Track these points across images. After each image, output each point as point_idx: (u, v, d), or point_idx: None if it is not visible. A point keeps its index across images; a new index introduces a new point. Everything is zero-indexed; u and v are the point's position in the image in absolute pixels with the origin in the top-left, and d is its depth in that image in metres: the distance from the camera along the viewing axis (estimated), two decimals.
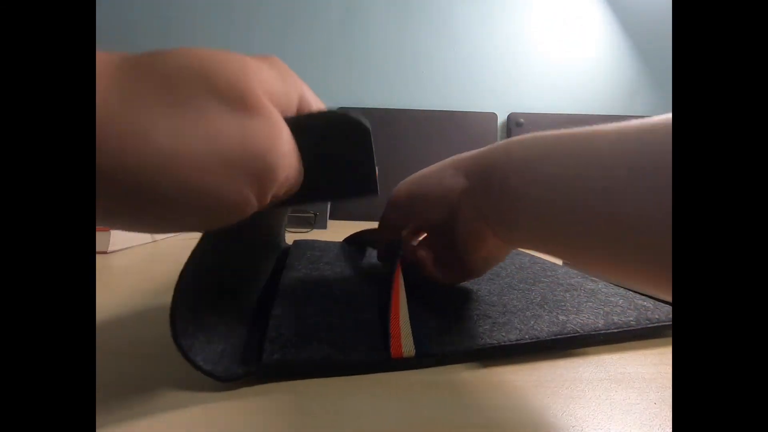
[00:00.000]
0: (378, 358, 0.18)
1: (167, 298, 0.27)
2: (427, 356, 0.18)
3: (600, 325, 0.21)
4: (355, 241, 0.42)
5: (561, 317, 0.22)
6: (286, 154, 0.12)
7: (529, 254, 0.40)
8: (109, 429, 0.14)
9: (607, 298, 0.25)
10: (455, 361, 0.19)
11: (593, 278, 0.30)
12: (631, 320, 0.22)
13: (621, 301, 0.25)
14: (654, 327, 0.22)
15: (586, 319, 0.22)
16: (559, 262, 0.39)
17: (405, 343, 0.18)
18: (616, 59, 0.87)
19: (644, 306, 0.24)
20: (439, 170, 0.24)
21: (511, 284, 0.29)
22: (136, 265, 0.38)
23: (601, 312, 0.23)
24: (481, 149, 0.22)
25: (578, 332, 0.20)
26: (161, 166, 0.10)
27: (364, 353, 0.18)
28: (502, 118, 0.86)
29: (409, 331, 0.19)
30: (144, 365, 0.18)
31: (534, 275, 0.31)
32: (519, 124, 0.83)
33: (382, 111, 0.85)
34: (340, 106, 0.87)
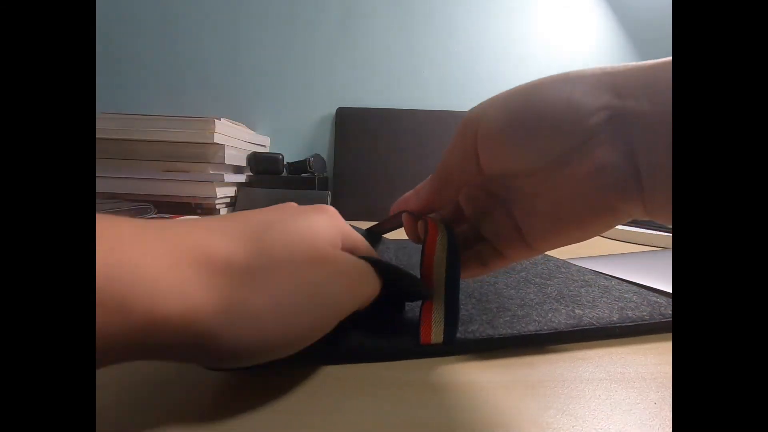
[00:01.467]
0: (406, 345, 0.19)
1: None
2: (454, 343, 0.19)
3: (615, 318, 0.22)
4: (379, 231, 0.41)
5: (577, 311, 0.23)
6: (360, 281, 0.16)
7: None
8: (110, 429, 0.14)
9: (621, 294, 0.26)
10: (479, 350, 0.20)
11: (606, 276, 0.31)
12: (645, 315, 0.22)
13: (635, 297, 0.25)
14: (668, 322, 0.22)
15: (602, 313, 0.22)
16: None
17: (435, 330, 0.19)
18: (616, 59, 0.87)
19: (657, 302, 0.24)
20: (561, 81, 0.15)
21: (528, 278, 0.29)
22: None
23: (616, 307, 0.23)
24: (647, 63, 0.13)
25: (594, 325, 0.21)
26: (284, 311, 0.13)
27: (393, 340, 0.19)
28: None
29: (442, 317, 0.19)
30: (144, 365, 0.18)
31: (549, 271, 0.31)
32: None
33: (382, 111, 0.85)
34: (341, 105, 0.87)
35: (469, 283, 0.27)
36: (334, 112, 0.88)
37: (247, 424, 0.14)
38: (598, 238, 0.64)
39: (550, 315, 0.22)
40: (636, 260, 0.37)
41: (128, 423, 0.14)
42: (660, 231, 0.57)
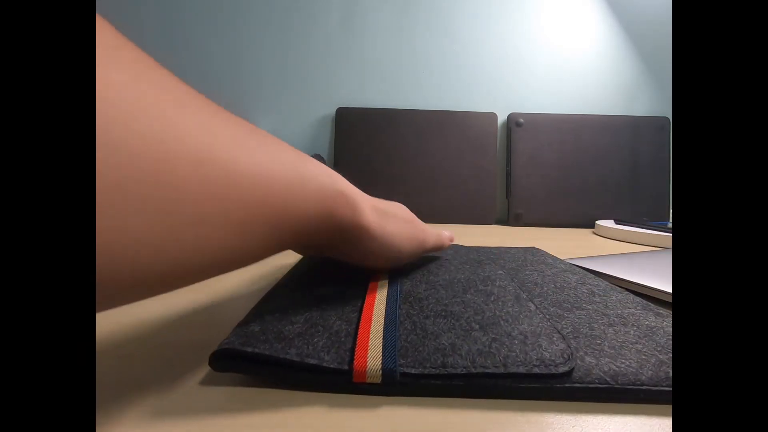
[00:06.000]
0: (333, 378, 0.16)
1: (166, 298, 0.27)
2: (397, 383, 0.16)
3: (644, 378, 0.16)
4: None
5: (588, 359, 0.17)
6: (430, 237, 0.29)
7: (579, 272, 0.32)
8: (110, 429, 0.14)
9: (671, 343, 0.19)
10: (433, 394, 0.16)
11: (659, 311, 0.23)
12: None
13: None
14: None
15: (626, 366, 0.17)
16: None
17: (371, 365, 0.16)
18: (616, 59, 0.87)
19: None
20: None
21: (542, 306, 0.24)
22: None
23: (654, 360, 0.17)
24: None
25: (607, 383, 0.16)
26: (391, 236, 0.23)
27: (323, 363, 0.16)
28: (502, 118, 0.86)
29: (380, 349, 0.16)
30: (144, 365, 0.18)
31: (576, 299, 0.25)
32: (519, 124, 0.83)
33: (382, 111, 0.85)
34: (341, 105, 0.87)
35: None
36: (334, 112, 0.88)
37: (247, 424, 0.14)
38: (597, 238, 0.64)
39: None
40: (636, 260, 0.37)
41: (127, 423, 0.14)
42: (660, 231, 0.57)
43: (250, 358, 0.16)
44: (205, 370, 0.18)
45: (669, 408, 0.16)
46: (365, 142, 0.84)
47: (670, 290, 0.28)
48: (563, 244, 0.56)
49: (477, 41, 0.87)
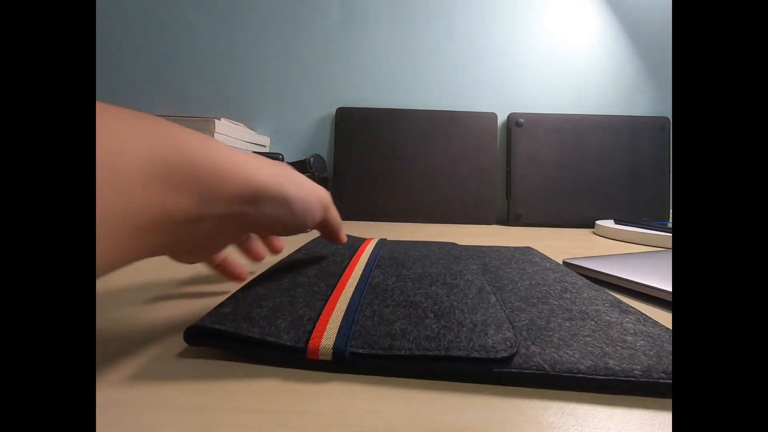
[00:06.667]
0: (289, 355, 0.17)
1: (166, 297, 0.27)
2: (346, 361, 0.17)
3: (582, 367, 0.17)
4: None
5: (533, 348, 0.18)
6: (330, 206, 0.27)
7: (562, 270, 0.32)
8: (110, 428, 0.14)
9: (622, 336, 0.19)
10: (380, 373, 0.17)
11: (627, 308, 0.23)
12: (636, 369, 0.16)
13: (641, 343, 0.19)
14: (666, 383, 0.16)
15: (568, 356, 0.17)
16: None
17: (324, 345, 0.17)
18: (616, 59, 0.87)
19: (668, 353, 0.18)
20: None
21: (507, 301, 0.25)
22: (136, 263, 0.38)
23: (598, 351, 0.18)
24: None
25: (544, 370, 0.16)
26: (294, 196, 0.22)
27: (281, 341, 0.18)
28: (502, 118, 0.86)
29: (335, 331, 0.18)
30: (143, 364, 0.18)
31: (544, 295, 0.26)
32: (519, 124, 0.83)
33: (382, 111, 0.85)
34: (341, 105, 0.87)
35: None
36: (334, 112, 0.88)
37: (247, 425, 0.14)
38: (597, 238, 0.64)
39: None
40: (636, 260, 0.37)
41: (127, 423, 0.14)
42: (660, 231, 0.57)
43: (219, 335, 0.18)
44: (183, 345, 0.19)
45: (664, 412, 0.16)
46: (365, 142, 0.84)
47: (670, 290, 0.28)
48: (563, 244, 0.56)
49: (477, 41, 0.87)
